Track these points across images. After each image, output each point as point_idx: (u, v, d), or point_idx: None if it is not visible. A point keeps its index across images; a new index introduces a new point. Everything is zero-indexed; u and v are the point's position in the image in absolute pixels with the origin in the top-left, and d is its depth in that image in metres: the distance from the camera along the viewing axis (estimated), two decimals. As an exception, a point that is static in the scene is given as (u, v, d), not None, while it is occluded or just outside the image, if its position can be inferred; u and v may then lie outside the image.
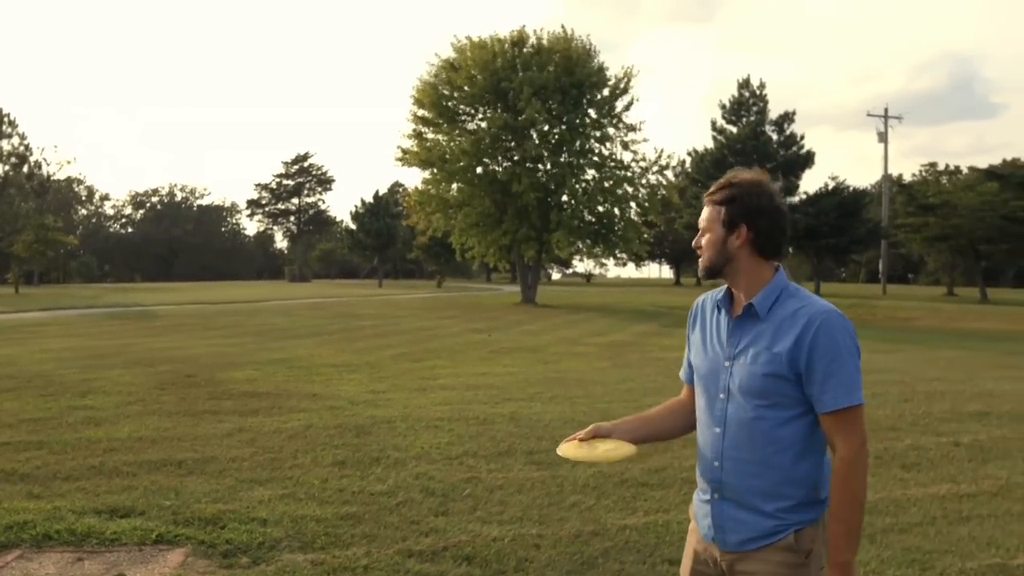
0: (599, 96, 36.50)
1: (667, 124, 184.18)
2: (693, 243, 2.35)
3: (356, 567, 4.42)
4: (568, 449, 2.33)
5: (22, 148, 54.79)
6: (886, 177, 64.61)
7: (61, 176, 75.91)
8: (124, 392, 9.89)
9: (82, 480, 5.95)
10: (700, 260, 2.31)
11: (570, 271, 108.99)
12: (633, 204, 38.04)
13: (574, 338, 19.03)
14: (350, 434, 7.56)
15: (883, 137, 59.41)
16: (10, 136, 54.37)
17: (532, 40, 36.66)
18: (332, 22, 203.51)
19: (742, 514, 2.23)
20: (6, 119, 54.18)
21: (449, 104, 36.67)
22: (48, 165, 57.49)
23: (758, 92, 56.75)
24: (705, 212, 2.31)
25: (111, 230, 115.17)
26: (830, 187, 56.90)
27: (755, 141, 55.33)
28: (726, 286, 2.32)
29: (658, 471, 6.41)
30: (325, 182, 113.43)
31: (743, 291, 2.26)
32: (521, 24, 45.39)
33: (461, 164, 35.34)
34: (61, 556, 4.57)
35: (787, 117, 56.97)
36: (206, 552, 4.64)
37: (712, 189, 2.31)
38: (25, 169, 55.31)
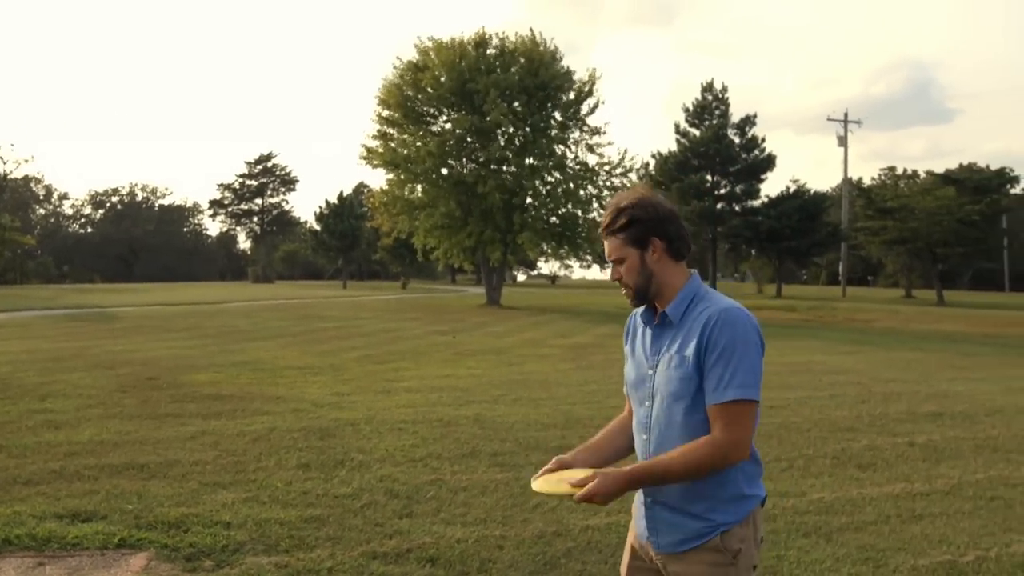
0: (564, 99, 36.69)
1: (628, 126, 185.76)
2: (611, 277, 2.41)
3: (320, 569, 4.44)
4: (542, 484, 2.35)
5: (-22, 147, 53.76)
6: (846, 181, 65.68)
7: (18, 174, 74.63)
8: (84, 395, 9.79)
9: (43, 484, 5.89)
10: (627, 292, 2.37)
11: (535, 273, 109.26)
12: (596, 206, 38.27)
13: (538, 340, 19.12)
14: (314, 437, 7.56)
15: (843, 141, 60.41)
16: (-35, 134, 53.31)
17: (495, 42, 36.77)
18: (298, 21, 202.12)
19: (672, 516, 2.30)
20: (-39, 117, 53.11)
21: (414, 105, 36.63)
22: (4, 164, 56.44)
23: (720, 95, 57.37)
24: (610, 245, 2.37)
25: (70, 230, 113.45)
26: (791, 190, 57.68)
27: (718, 144, 55.92)
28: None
29: (620, 472, 6.49)
30: (289, 182, 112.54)
31: (663, 301, 2.35)
32: (481, 25, 45.47)
33: (426, 165, 35.32)
34: (22, 561, 4.54)
35: (748, 120, 57.67)
36: (169, 556, 4.63)
37: (607, 222, 2.36)
38: (-19, 168, 54.28)
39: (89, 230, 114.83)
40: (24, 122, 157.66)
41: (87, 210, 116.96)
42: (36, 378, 11.27)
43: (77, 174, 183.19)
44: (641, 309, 2.44)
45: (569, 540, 5.00)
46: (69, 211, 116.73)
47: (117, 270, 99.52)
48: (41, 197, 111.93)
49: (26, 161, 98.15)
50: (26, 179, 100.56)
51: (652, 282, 2.33)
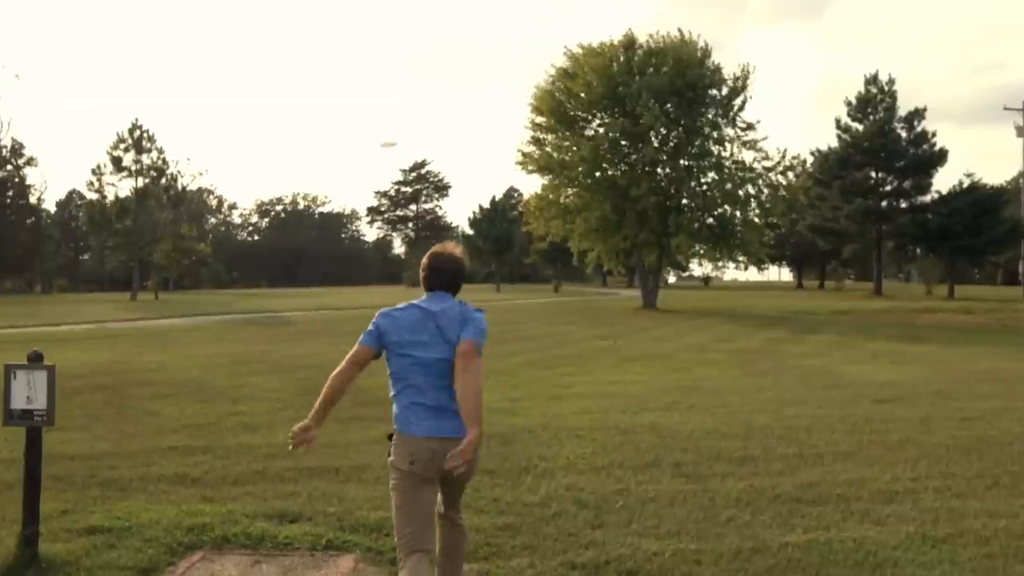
0: (717, 96, 35.93)
1: (778, 123, 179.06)
2: None
3: (522, 579, 4.48)
4: None
5: (160, 161, 57.62)
6: (1025, 174, 61.24)
7: (194, 187, 79.52)
8: (272, 399, 10.31)
9: (249, 485, 6.22)
10: None
11: (686, 274, 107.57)
12: (754, 205, 37.29)
13: (701, 344, 18.77)
14: (495, 442, 7.65)
15: (1023, 131, 56.19)
16: (148, 150, 57.27)
17: (642, 42, 36.42)
18: (450, 31, 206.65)
19: None
20: (145, 135, 57.11)
21: (567, 111, 36.77)
22: (182, 177, 60.28)
23: (886, 88, 54.60)
24: None
25: (239, 238, 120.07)
26: (964, 185, 54.28)
27: (883, 139, 53.29)
28: None
29: (811, 486, 6.27)
30: (442, 188, 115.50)
31: None
32: (629, 28, 45.19)
33: (580, 170, 35.38)
34: (240, 559, 4.80)
35: (917, 113, 54.64)
36: (374, 559, 4.79)
37: None
38: (163, 181, 58.13)
39: (256, 238, 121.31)
40: (197, 137, 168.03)
41: (254, 219, 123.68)
42: (226, 381, 11.96)
43: (244, 185, 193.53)
44: None
45: (769, 557, 4.84)
46: (238, 220, 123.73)
47: (281, 275, 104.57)
48: (213, 207, 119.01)
49: (200, 174, 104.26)
50: (200, 191, 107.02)
51: None
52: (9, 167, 75.74)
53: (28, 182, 77.73)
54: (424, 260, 3.85)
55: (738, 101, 36.13)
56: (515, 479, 6.40)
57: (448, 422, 3.58)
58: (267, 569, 4.67)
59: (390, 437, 3.73)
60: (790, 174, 38.36)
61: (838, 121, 56.26)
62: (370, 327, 3.74)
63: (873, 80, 55.08)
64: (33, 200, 79.06)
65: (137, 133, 56.40)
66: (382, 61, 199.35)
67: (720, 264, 46.24)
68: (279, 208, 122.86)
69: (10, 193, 76.50)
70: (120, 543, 4.88)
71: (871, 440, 7.92)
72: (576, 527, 5.31)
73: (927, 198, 55.57)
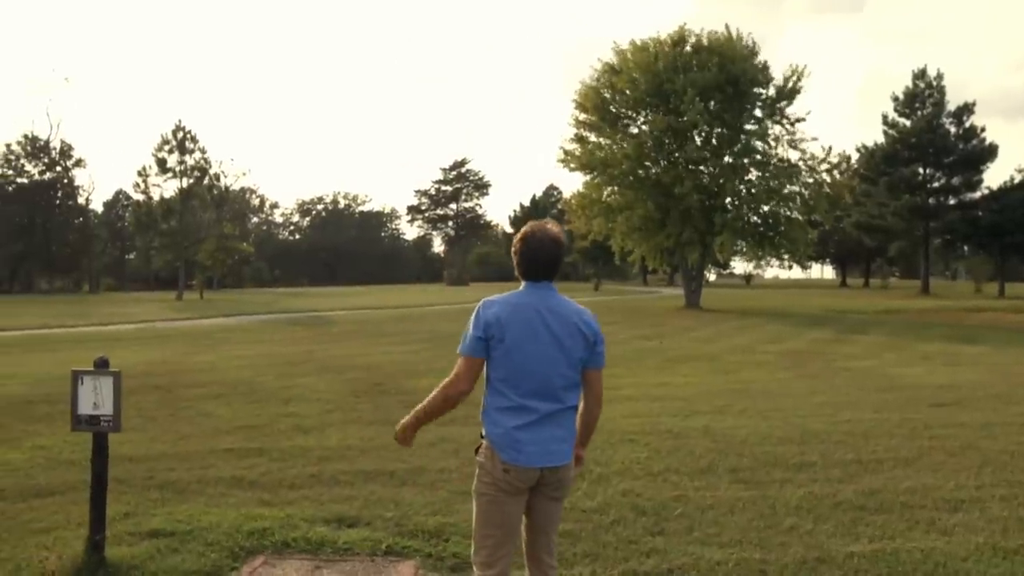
0: (764, 95, 35.53)
1: (819, 119, 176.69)
2: None
3: (585, 588, 4.43)
4: None
5: (202, 162, 58.38)
6: (1079, 169, 59.80)
7: (237, 187, 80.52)
8: (323, 400, 10.35)
9: (305, 488, 6.24)
10: None
11: (727, 272, 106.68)
12: (798, 203, 36.82)
13: (748, 345, 18.56)
14: (547, 446, 7.60)
15: (1076, 126, 54.63)
16: (192, 151, 58.02)
17: (692, 39, 36.11)
18: (489, 30, 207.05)
19: None
20: (188, 135, 57.88)
21: (611, 108, 36.59)
22: (225, 177, 61.03)
23: (934, 83, 53.64)
24: None
25: (280, 237, 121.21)
26: (1016, 180, 53.15)
27: (931, 134, 52.39)
28: None
29: (873, 493, 6.15)
30: (482, 187, 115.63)
31: None
32: (679, 24, 44.81)
33: (623, 167, 35.18)
34: (301, 564, 4.80)
35: (967, 108, 53.67)
36: (435, 565, 4.77)
37: None
38: (205, 181, 58.88)
39: (297, 237, 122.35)
40: (241, 137, 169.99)
41: (295, 218, 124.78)
42: (276, 382, 12.05)
43: (286, 185, 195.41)
44: None
45: (835, 568, 4.74)
46: (279, 219, 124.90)
47: (322, 274, 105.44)
48: (255, 207, 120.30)
49: (244, 174, 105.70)
50: (243, 191, 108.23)
51: None
52: (58, 168, 77.25)
53: (76, 183, 79.31)
54: (517, 244, 3.32)
55: (786, 101, 35.66)
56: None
57: (555, 444, 3.27)
58: (328, 574, 4.66)
59: (483, 436, 3.36)
60: (835, 171, 37.60)
61: (884, 116, 55.48)
62: (474, 330, 3.27)
63: (921, 75, 54.18)
64: (81, 201, 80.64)
65: (180, 134, 57.18)
66: (423, 59, 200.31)
67: (763, 262, 45.57)
68: (320, 207, 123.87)
69: (59, 194, 78.04)
70: (183, 547, 4.91)
71: (931, 446, 7.76)
72: (636, 534, 5.25)
73: (977, 194, 54.57)
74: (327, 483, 6.39)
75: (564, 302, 3.36)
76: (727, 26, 37.30)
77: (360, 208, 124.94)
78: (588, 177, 37.44)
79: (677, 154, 35.71)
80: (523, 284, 3.37)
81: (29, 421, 8.90)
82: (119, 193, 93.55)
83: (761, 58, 36.08)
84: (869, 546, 5.07)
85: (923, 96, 53.84)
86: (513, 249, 3.41)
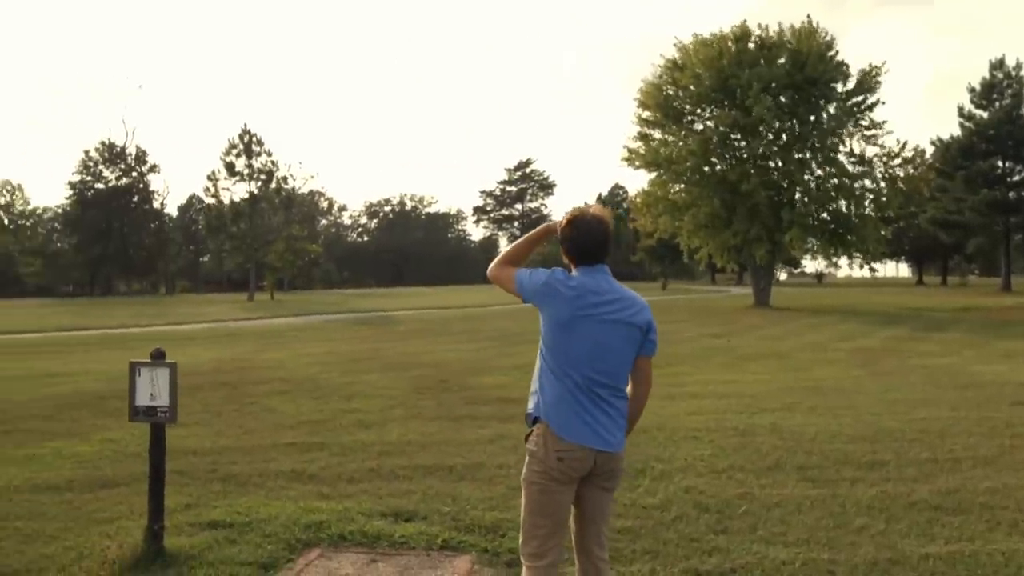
0: (839, 91, 34.66)
1: (889, 112, 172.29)
2: None
3: (644, 585, 4.30)
4: None
5: (270, 165, 59.47)
6: None
7: (305, 190, 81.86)
8: (385, 396, 10.38)
9: (364, 482, 6.22)
10: None
11: (798, 271, 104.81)
12: (870, 198, 35.85)
13: (820, 343, 18.11)
14: (609, 443, 7.47)
15: None
16: (258, 154, 59.16)
17: (757, 34, 35.46)
18: (552, 30, 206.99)
19: None
20: (254, 139, 59.03)
21: (674, 105, 36.16)
22: (294, 180, 62.14)
23: (1013, 73, 51.78)
24: None
25: (348, 239, 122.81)
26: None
27: (1010, 126, 50.55)
28: None
29: (950, 493, 5.88)
30: (547, 187, 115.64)
31: None
32: (743, 19, 44.13)
33: (688, 164, 34.73)
34: (357, 557, 4.77)
35: (1051, 98, 51.66)
36: (490, 561, 4.69)
37: None
38: (273, 184, 59.97)
39: (365, 238, 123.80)
40: (310, 141, 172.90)
41: (363, 220, 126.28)
42: (340, 378, 12.14)
43: (354, 187, 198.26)
44: None
45: (908, 569, 4.52)
46: (347, 221, 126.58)
47: (389, 275, 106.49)
48: (324, 209, 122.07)
49: (312, 177, 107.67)
50: (311, 193, 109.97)
51: None
52: (134, 174, 79.60)
53: (152, 188, 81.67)
54: (566, 229, 3.29)
55: (865, 99, 34.77)
56: (631, 481, 6.20)
57: (608, 434, 3.20)
58: (383, 568, 4.62)
59: (534, 422, 3.24)
60: (909, 166, 36.54)
61: (961, 108, 53.75)
62: (535, 276, 3.28)
63: (999, 65, 52.37)
64: (156, 205, 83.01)
65: (247, 138, 58.33)
66: (488, 60, 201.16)
67: (835, 260, 44.49)
68: (387, 209, 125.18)
69: (135, 199, 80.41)
70: (241, 538, 4.92)
71: (1013, 445, 7.41)
72: (698, 532, 5.10)
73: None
74: (386, 477, 6.37)
75: (619, 288, 3.30)
76: (808, 16, 36.55)
77: (426, 209, 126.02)
78: (653, 175, 37.06)
79: (744, 151, 35.12)
80: (576, 269, 3.31)
81: (101, 415, 9.10)
82: (192, 197, 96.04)
83: (840, 52, 35.18)
84: (945, 547, 4.83)
85: (1001, 87, 51.99)
86: (561, 236, 3.35)
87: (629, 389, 3.34)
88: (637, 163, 36.50)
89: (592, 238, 3.28)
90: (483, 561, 4.70)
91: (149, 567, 4.44)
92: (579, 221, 3.30)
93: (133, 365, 4.59)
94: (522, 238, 3.59)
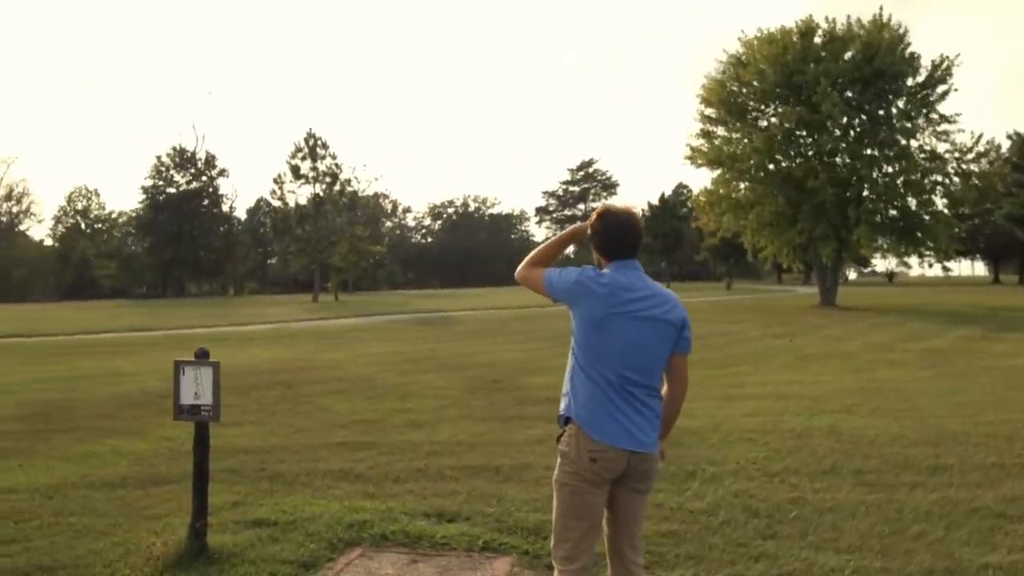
0: (909, 85, 33.71)
1: (962, 106, 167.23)
2: None
3: (686, 591, 4.20)
4: None
5: (334, 168, 60.28)
6: None
7: (370, 192, 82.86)
8: (439, 396, 10.40)
9: (410, 482, 6.22)
10: None
11: (868, 270, 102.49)
12: (940, 194, 34.79)
13: (886, 344, 17.63)
14: (660, 445, 7.35)
15: None
16: (323, 157, 60.00)
17: (824, 28, 34.72)
18: (612, 29, 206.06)
19: None
20: (319, 142, 59.88)
21: (738, 101, 35.63)
22: (358, 182, 62.92)
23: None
24: None
25: (412, 240, 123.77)
26: None
27: (1092, 119, 48.62)
28: None
29: (1016, 500, 5.63)
30: (610, 187, 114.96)
31: None
32: (808, 13, 43.29)
33: (752, 162, 34.18)
34: (398, 557, 4.75)
35: None
36: (531, 563, 4.63)
37: None
38: (337, 187, 60.78)
39: (429, 240, 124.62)
40: (374, 144, 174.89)
41: (427, 221, 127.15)
42: (396, 378, 12.20)
43: (418, 189, 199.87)
44: None
45: (966, 580, 4.34)
46: (412, 223, 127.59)
47: (453, 276, 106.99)
48: (388, 211, 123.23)
49: (376, 179, 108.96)
50: (376, 196, 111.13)
51: None
52: (204, 178, 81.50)
53: (221, 192, 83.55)
54: (595, 222, 3.27)
55: (936, 91, 33.76)
56: (680, 484, 6.09)
57: (642, 434, 3.12)
58: (423, 568, 4.60)
59: (566, 422, 3.19)
60: (983, 160, 35.36)
61: (1039, 101, 51.84)
62: (565, 275, 3.25)
63: (1080, 55, 50.37)
64: (225, 209, 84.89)
65: (312, 141, 59.19)
66: (549, 59, 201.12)
67: (905, 259, 43.38)
68: (451, 210, 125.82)
69: (205, 202, 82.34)
70: (284, 536, 4.95)
71: (1086, 450, 7.08)
72: (746, 537, 4.97)
73: None
74: (432, 477, 6.36)
75: (652, 284, 3.25)
76: (881, 8, 35.60)
77: (490, 210, 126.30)
78: (716, 173, 36.56)
79: (810, 147, 34.42)
80: (608, 266, 3.26)
81: (160, 414, 9.26)
82: (260, 200, 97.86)
83: (914, 49, 34.19)
84: (1008, 557, 4.63)
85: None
86: (591, 231, 3.31)
87: (665, 390, 3.25)
88: (700, 161, 36.05)
89: (622, 229, 3.25)
90: (523, 563, 4.64)
91: (192, 564, 4.49)
92: (608, 214, 3.29)
93: (178, 364, 4.65)
94: (551, 239, 3.55)
